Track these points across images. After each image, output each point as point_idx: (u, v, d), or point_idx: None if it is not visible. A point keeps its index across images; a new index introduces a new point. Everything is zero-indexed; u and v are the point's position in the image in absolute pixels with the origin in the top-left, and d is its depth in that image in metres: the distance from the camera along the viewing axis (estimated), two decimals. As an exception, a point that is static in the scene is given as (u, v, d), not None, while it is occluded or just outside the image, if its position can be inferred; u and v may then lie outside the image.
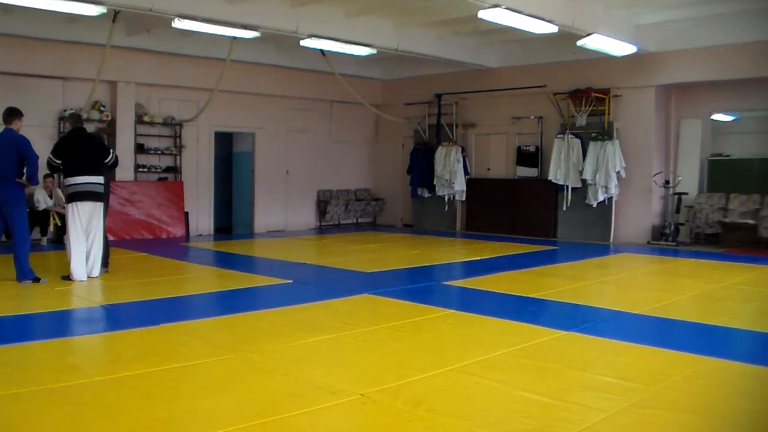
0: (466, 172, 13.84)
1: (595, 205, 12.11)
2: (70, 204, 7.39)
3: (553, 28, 9.33)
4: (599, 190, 11.92)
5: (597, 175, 11.88)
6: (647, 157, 11.88)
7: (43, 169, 7.77)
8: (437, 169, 13.90)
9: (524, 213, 13.14)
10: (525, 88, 12.74)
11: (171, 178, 12.58)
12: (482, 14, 8.46)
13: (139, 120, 12.07)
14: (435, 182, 14.05)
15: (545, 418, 3.44)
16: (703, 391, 3.92)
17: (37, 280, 7.11)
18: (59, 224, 10.73)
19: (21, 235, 7.11)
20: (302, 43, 10.58)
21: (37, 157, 7.17)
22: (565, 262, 9.83)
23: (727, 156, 11.88)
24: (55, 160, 7.41)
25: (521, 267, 8.99)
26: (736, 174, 11.67)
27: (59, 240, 10.44)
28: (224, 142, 13.99)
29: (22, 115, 7.27)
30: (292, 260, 9.72)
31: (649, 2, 10.18)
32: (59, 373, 4.08)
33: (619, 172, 11.79)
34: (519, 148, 13.40)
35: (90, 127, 10.66)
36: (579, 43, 10.05)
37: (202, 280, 8.25)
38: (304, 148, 14.57)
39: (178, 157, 12.64)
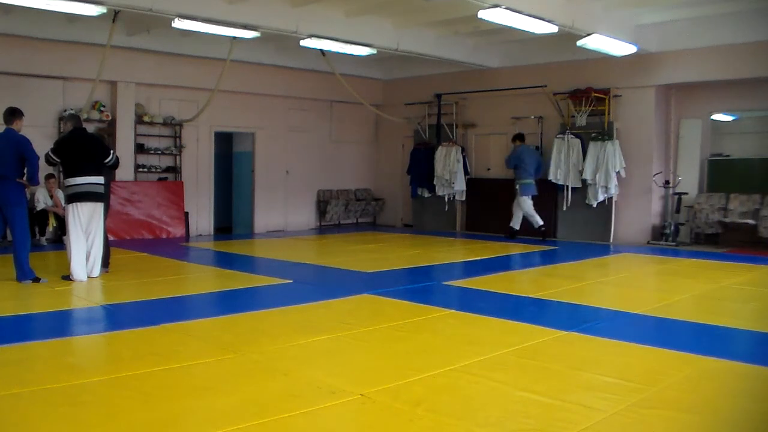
0: (466, 172, 13.84)
1: (595, 205, 12.11)
2: (70, 204, 7.39)
3: (553, 28, 9.33)
4: (599, 190, 11.92)
5: (597, 175, 11.88)
6: (647, 157, 11.87)
7: (45, 170, 7.77)
8: (437, 169, 13.89)
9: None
10: (525, 88, 12.74)
11: (171, 178, 12.59)
12: (482, 14, 8.46)
13: (139, 120, 12.07)
14: (435, 182, 14.04)
15: (545, 418, 3.44)
16: (703, 391, 3.92)
17: (37, 280, 7.11)
18: (56, 225, 10.76)
19: (21, 235, 7.11)
20: (302, 43, 10.58)
21: (37, 158, 7.18)
22: (565, 262, 9.83)
23: (727, 156, 11.88)
24: (54, 157, 7.42)
25: (521, 267, 8.99)
26: (736, 174, 11.67)
27: (59, 240, 10.45)
28: (224, 142, 14.00)
29: (23, 116, 7.28)
30: (292, 260, 9.72)
31: (649, 2, 10.19)
32: (59, 373, 4.09)
33: (619, 172, 11.79)
34: (519, 148, 13.42)
35: (90, 127, 10.70)
36: (579, 43, 10.06)
37: (202, 280, 8.25)
38: (304, 148, 14.57)
39: (178, 157, 12.64)
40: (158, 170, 12.46)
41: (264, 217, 13.99)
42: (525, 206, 12.20)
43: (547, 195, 12.75)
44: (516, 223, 12.44)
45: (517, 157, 12.21)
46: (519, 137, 12.48)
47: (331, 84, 13.02)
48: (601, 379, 4.11)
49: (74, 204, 7.35)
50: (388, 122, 14.87)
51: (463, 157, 13.78)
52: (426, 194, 14.42)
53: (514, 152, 12.38)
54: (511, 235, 12.43)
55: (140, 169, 12.19)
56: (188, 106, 12.48)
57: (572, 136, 12.25)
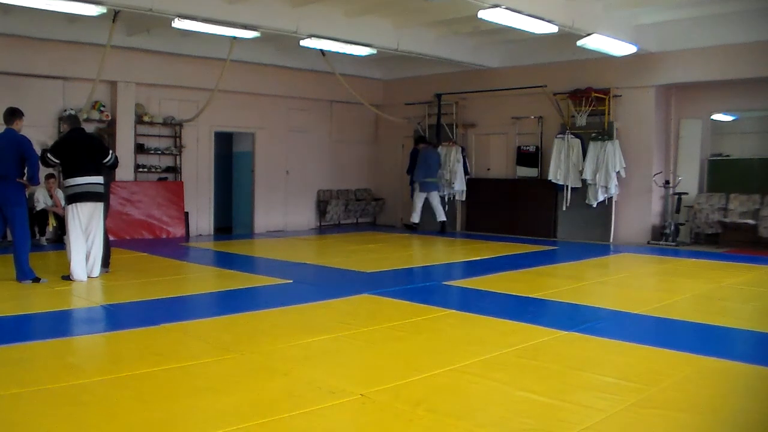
0: (466, 172, 13.83)
1: (595, 205, 12.11)
2: (70, 205, 7.38)
3: (553, 28, 9.33)
4: (599, 190, 11.92)
5: (597, 175, 11.88)
6: (647, 157, 11.87)
7: (44, 170, 7.77)
8: (437, 169, 13.92)
9: (524, 213, 13.13)
10: (525, 88, 12.74)
11: (171, 178, 12.59)
12: (482, 14, 8.46)
13: (139, 120, 12.06)
14: (435, 182, 14.09)
15: (545, 418, 3.44)
16: (703, 391, 3.92)
17: (37, 280, 7.11)
18: (56, 225, 10.76)
19: (21, 235, 7.11)
20: (302, 43, 10.58)
21: (38, 158, 7.20)
22: (565, 262, 9.83)
23: (727, 156, 11.88)
24: (53, 159, 7.41)
25: (521, 267, 8.99)
26: (736, 174, 11.66)
27: (59, 240, 10.44)
28: (224, 142, 14.00)
29: (23, 116, 7.28)
30: (292, 260, 9.72)
31: (649, 2, 10.18)
32: (59, 373, 4.08)
33: (619, 172, 11.79)
34: (519, 148, 13.40)
35: (90, 127, 10.71)
36: (579, 43, 10.06)
37: (202, 280, 8.25)
38: (304, 148, 14.57)
39: (178, 157, 12.64)
40: (158, 170, 12.46)
41: (264, 217, 13.99)
42: (434, 201, 13.49)
43: (547, 195, 12.76)
44: (416, 218, 13.70)
45: (423, 158, 13.42)
46: (422, 140, 13.76)
47: (331, 84, 13.02)
48: (601, 379, 4.11)
49: (74, 204, 7.34)
50: (388, 122, 14.86)
51: (463, 157, 13.78)
52: (426, 194, 14.44)
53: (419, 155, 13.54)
54: (411, 228, 13.76)
55: (140, 169, 12.19)
56: (188, 106, 12.47)
57: (572, 136, 12.25)
